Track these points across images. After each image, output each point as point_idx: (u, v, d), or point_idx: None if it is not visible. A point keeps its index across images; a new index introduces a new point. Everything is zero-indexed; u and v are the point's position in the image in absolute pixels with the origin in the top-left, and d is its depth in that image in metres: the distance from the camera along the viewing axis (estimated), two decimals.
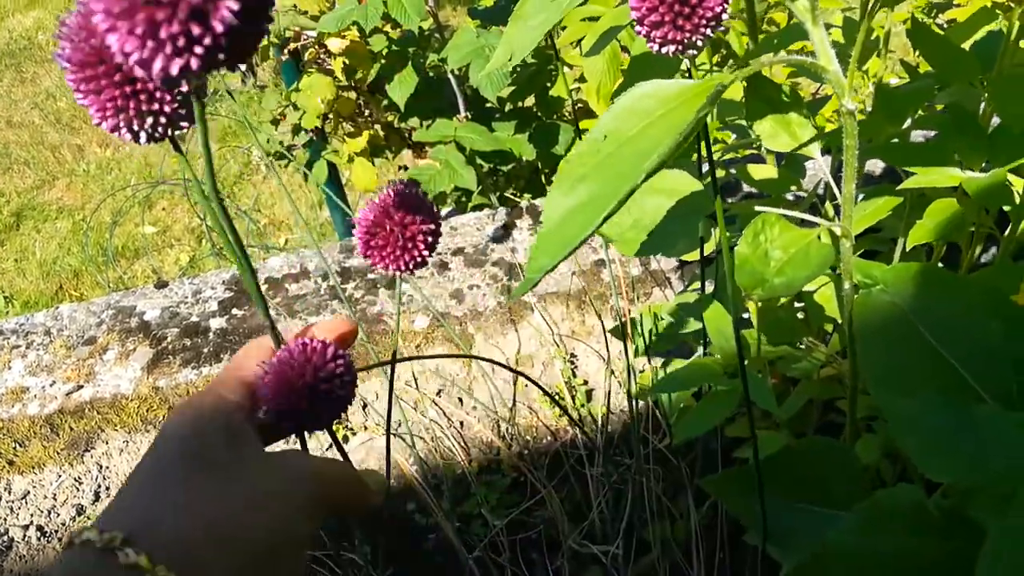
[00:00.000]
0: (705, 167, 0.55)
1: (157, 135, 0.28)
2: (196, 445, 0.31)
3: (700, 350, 0.97)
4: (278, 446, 0.39)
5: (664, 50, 0.32)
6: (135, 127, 0.28)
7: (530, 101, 1.63)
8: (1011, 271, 0.52)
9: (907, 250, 0.62)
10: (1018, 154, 0.46)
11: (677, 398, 0.89)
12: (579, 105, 1.81)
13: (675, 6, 0.30)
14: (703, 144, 0.46)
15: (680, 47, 0.31)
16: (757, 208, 0.49)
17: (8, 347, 1.19)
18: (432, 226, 0.38)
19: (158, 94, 0.27)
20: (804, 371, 0.80)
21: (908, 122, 0.61)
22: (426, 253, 0.39)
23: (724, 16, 0.31)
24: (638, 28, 0.32)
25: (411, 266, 0.39)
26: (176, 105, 0.28)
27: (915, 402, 0.43)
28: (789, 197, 0.77)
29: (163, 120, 0.28)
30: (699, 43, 0.31)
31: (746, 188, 1.10)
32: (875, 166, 1.17)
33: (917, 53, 0.63)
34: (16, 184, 2.83)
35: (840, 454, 0.56)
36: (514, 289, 0.35)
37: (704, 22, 0.31)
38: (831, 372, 0.84)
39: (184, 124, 0.29)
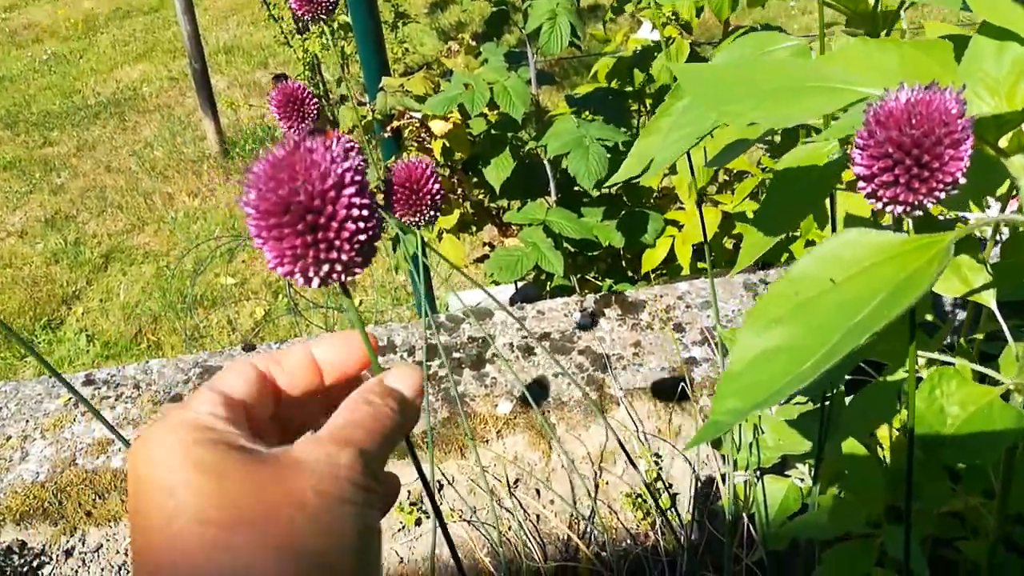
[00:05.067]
0: None
1: (331, 281, 0.29)
2: (181, 484, 0.25)
3: (801, 467, 0.93)
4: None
5: (888, 209, 0.30)
6: (310, 274, 0.28)
7: (616, 186, 1.64)
8: None
9: None
10: None
11: (775, 518, 0.85)
12: (663, 193, 1.81)
13: (913, 168, 0.29)
14: None
15: (907, 208, 0.30)
16: (922, 354, 0.46)
17: (98, 397, 1.21)
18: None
19: (337, 243, 0.28)
20: (923, 506, 0.75)
21: None
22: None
23: (962, 180, 0.30)
24: (861, 184, 0.31)
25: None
26: (353, 254, 0.28)
27: None
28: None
29: (339, 268, 0.28)
30: (929, 206, 0.30)
31: None
32: None
33: None
34: (108, 227, 2.96)
35: None
36: (695, 435, 0.32)
37: (941, 186, 0.29)
38: (950, 508, 0.79)
39: (357, 270, 0.30)
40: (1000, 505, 0.55)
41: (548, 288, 1.72)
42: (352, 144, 0.29)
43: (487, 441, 1.14)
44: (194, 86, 3.18)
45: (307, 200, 0.27)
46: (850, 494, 0.58)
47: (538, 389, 1.16)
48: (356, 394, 0.30)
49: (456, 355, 1.21)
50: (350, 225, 0.27)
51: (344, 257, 0.28)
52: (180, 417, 0.27)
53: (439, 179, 0.53)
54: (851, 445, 0.57)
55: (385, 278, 2.40)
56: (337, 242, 0.28)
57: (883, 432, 0.62)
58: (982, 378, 0.45)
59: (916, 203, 0.30)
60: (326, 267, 0.28)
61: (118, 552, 1.13)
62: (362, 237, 0.28)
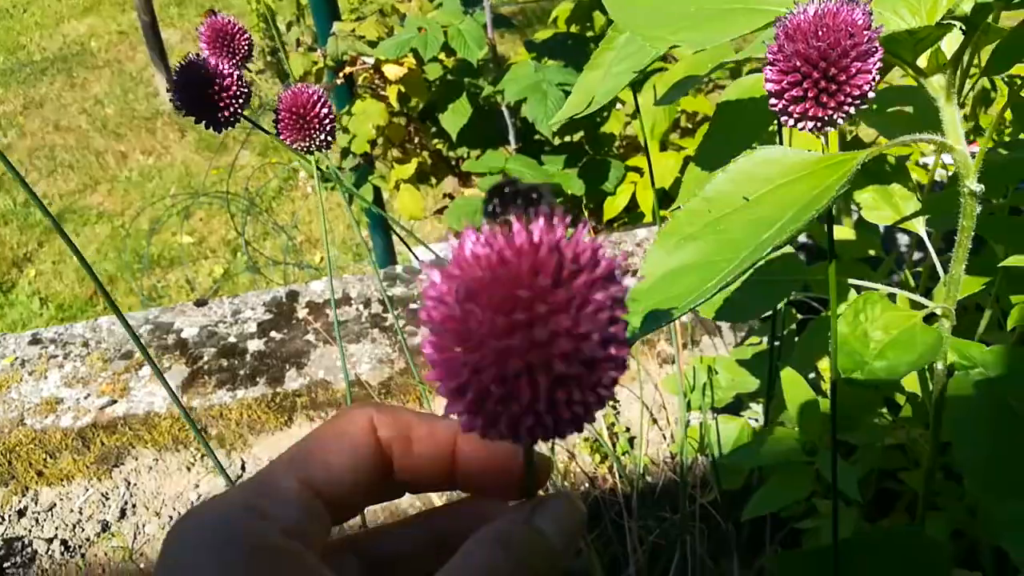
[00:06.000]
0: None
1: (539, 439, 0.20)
2: None
3: (756, 407, 0.93)
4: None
5: (800, 126, 0.29)
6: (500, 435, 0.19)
7: (579, 134, 1.62)
8: None
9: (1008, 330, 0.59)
10: None
11: (729, 457, 0.86)
12: (626, 141, 1.80)
13: (820, 82, 0.28)
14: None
15: (819, 124, 0.29)
16: (852, 282, 0.46)
17: (46, 356, 1.18)
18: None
19: (566, 416, 0.18)
20: (866, 439, 0.76)
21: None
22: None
23: (871, 94, 0.29)
24: (772, 101, 0.30)
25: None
26: (582, 418, 0.19)
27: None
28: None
29: (545, 435, 0.19)
30: (839, 121, 0.29)
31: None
32: None
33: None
34: (59, 187, 2.87)
35: (924, 544, 0.52)
36: None
37: (850, 100, 0.28)
38: (893, 441, 0.80)
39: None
40: (934, 434, 0.55)
41: None
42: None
43: None
44: (144, 40, 3.07)
45: (564, 370, 0.17)
46: (792, 425, 0.58)
47: None
48: (492, 540, 0.20)
49: (413, 306, 1.20)
50: (604, 391, 0.18)
51: (566, 428, 0.19)
52: (244, 526, 0.20)
53: (329, 104, 0.52)
54: (792, 379, 0.57)
55: (346, 234, 2.37)
56: (566, 414, 0.18)
57: (825, 365, 0.62)
58: (915, 307, 0.45)
59: (826, 118, 0.29)
60: (530, 431, 0.19)
61: (72, 511, 1.11)
62: (608, 400, 0.19)
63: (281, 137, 0.54)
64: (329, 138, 0.54)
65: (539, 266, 0.17)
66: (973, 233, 0.41)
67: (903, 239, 1.13)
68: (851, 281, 0.43)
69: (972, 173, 0.37)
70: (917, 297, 0.43)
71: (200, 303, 1.23)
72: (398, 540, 0.24)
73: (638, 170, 1.48)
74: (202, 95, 0.49)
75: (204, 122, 0.51)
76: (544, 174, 1.39)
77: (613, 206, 1.47)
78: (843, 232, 0.65)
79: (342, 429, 0.23)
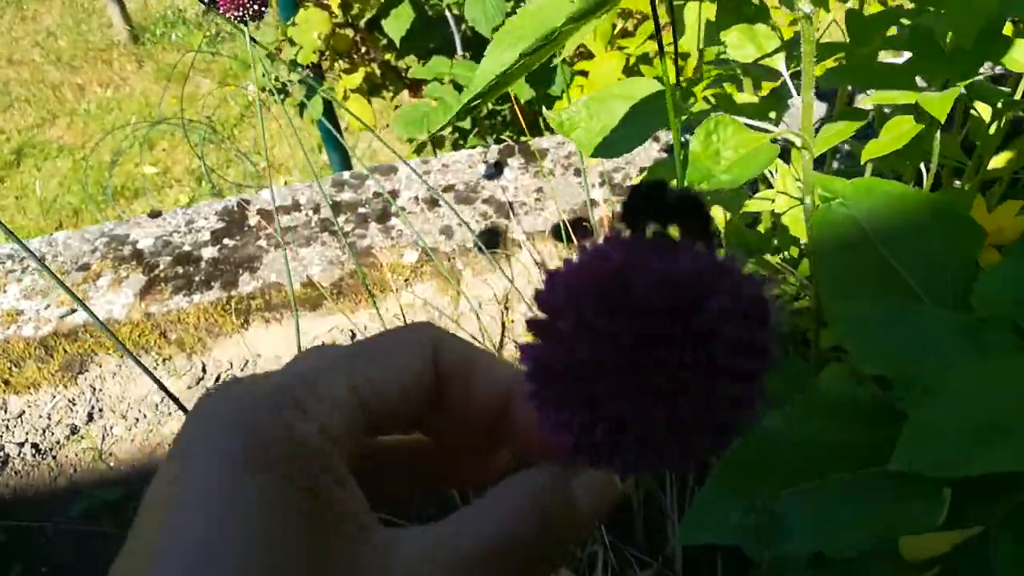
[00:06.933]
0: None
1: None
2: (204, 538, 0.15)
3: None
4: None
5: None
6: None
7: None
8: (965, 192, 0.53)
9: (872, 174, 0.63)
10: (972, 71, 0.46)
11: None
12: (578, 50, 1.80)
13: None
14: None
15: None
16: (716, 116, 0.50)
17: (3, 271, 1.21)
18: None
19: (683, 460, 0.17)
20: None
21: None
22: None
23: None
24: None
25: None
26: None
27: (860, 303, 0.44)
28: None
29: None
30: None
31: None
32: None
33: None
34: (17, 122, 2.83)
35: (792, 368, 0.57)
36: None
37: None
38: (804, 304, 0.85)
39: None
40: (814, 280, 0.60)
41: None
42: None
43: (396, 290, 1.18)
44: None
45: (693, 436, 0.16)
46: None
47: (443, 238, 1.19)
48: (525, 493, 0.19)
49: (362, 210, 1.23)
50: (723, 444, 0.16)
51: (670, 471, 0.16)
52: (285, 416, 0.17)
53: None
54: None
55: (308, 158, 2.37)
56: (676, 466, 0.17)
57: (721, 217, 0.66)
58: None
59: None
60: (633, 471, 0.17)
61: (41, 417, 1.16)
62: None
63: (219, 9, 0.56)
64: (262, 8, 0.56)
65: (689, 320, 0.14)
66: (815, 58, 0.44)
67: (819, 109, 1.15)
68: (715, 115, 0.47)
69: None
70: (764, 124, 0.46)
71: (154, 215, 1.26)
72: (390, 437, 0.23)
73: (585, 74, 1.50)
74: None
75: None
76: None
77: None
78: (744, 97, 0.68)
79: (402, 343, 0.20)
